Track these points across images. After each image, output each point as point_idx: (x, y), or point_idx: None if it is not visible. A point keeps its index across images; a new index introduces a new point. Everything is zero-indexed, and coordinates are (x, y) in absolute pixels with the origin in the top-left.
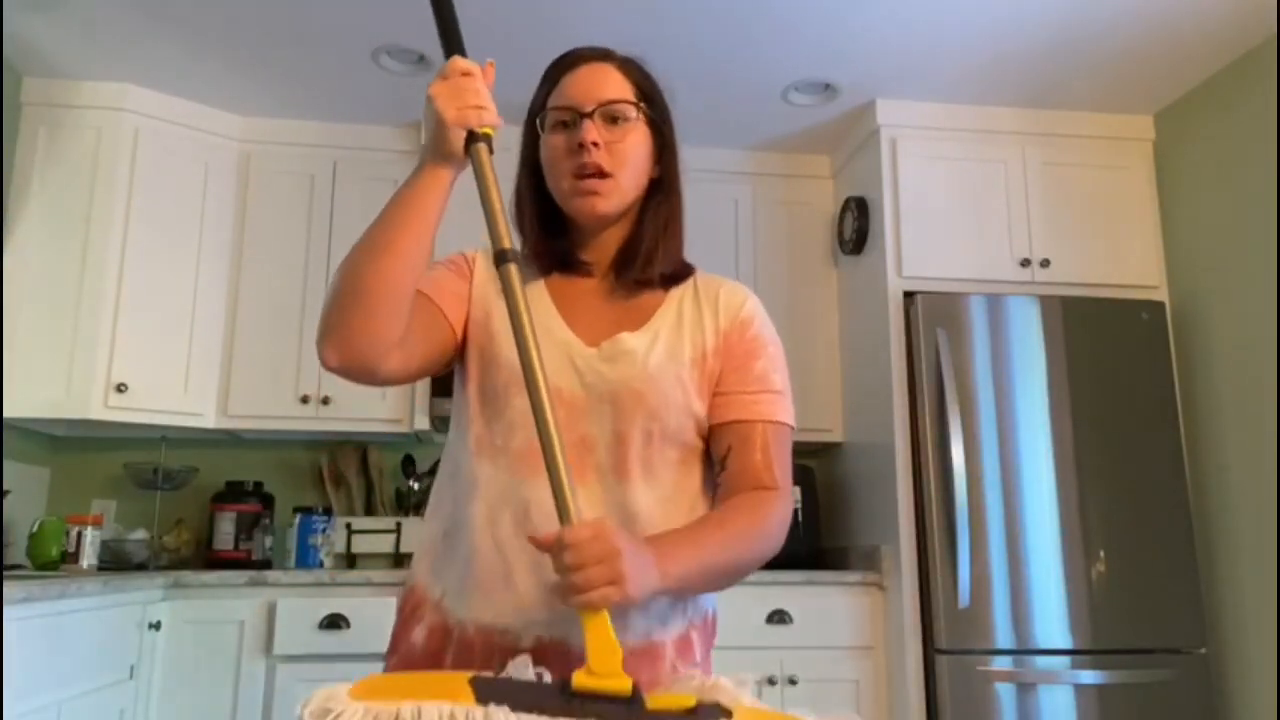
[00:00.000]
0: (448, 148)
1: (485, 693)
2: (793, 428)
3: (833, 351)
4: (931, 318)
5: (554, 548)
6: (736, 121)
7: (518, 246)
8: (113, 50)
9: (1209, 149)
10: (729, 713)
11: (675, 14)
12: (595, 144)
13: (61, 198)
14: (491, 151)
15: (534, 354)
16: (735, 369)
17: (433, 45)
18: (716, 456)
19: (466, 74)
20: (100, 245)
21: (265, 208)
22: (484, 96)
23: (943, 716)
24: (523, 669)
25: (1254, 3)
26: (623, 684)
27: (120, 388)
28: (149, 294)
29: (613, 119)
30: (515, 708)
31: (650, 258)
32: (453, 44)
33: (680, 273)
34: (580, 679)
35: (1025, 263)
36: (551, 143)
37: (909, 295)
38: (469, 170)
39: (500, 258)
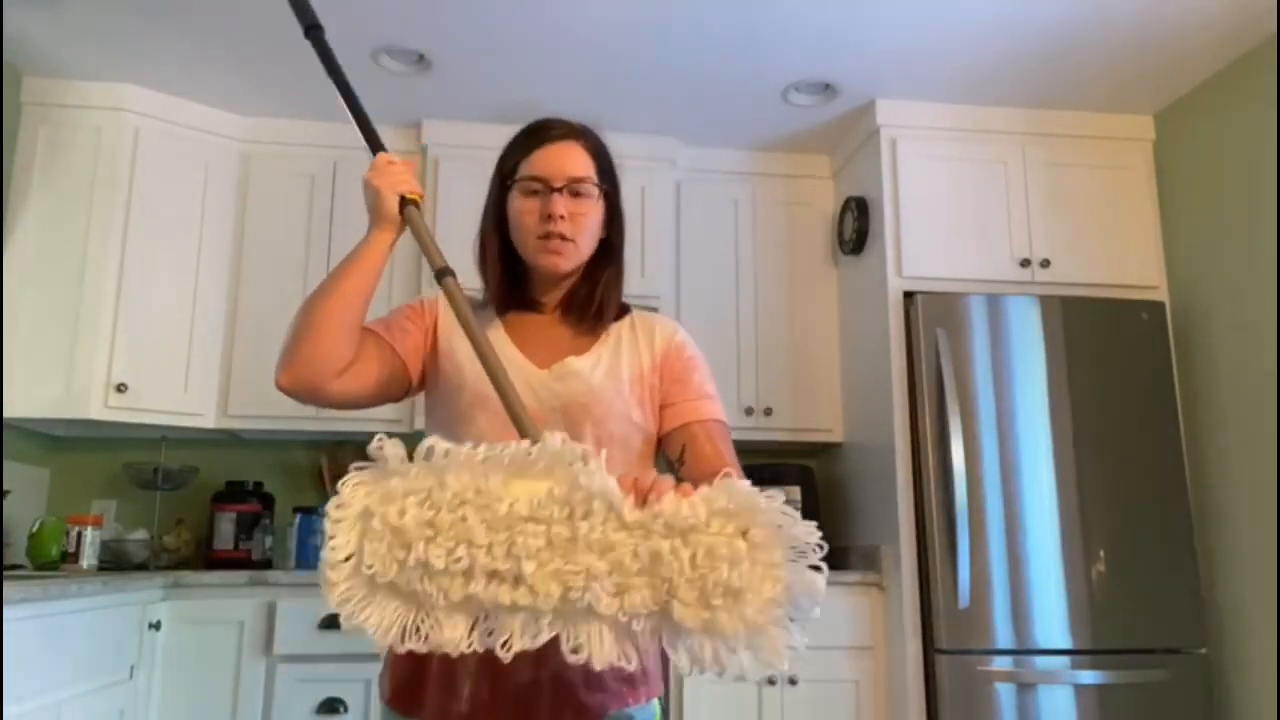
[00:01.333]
0: (387, 211)
1: None
2: (728, 425)
3: (833, 351)
4: (931, 318)
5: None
6: (736, 121)
7: (448, 265)
8: (113, 50)
9: (1209, 149)
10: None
11: (675, 14)
12: (562, 216)
13: (61, 197)
14: (421, 211)
15: (479, 334)
16: (676, 382)
17: (432, 45)
18: (673, 456)
19: (391, 162)
20: (100, 245)
21: (265, 208)
22: (409, 173)
23: (943, 716)
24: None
25: (1254, 3)
26: None
27: (120, 388)
28: (149, 294)
29: (576, 194)
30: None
31: (601, 310)
32: (375, 146)
33: (619, 313)
34: None
35: (1025, 263)
36: (523, 206)
37: (909, 295)
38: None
39: (440, 275)
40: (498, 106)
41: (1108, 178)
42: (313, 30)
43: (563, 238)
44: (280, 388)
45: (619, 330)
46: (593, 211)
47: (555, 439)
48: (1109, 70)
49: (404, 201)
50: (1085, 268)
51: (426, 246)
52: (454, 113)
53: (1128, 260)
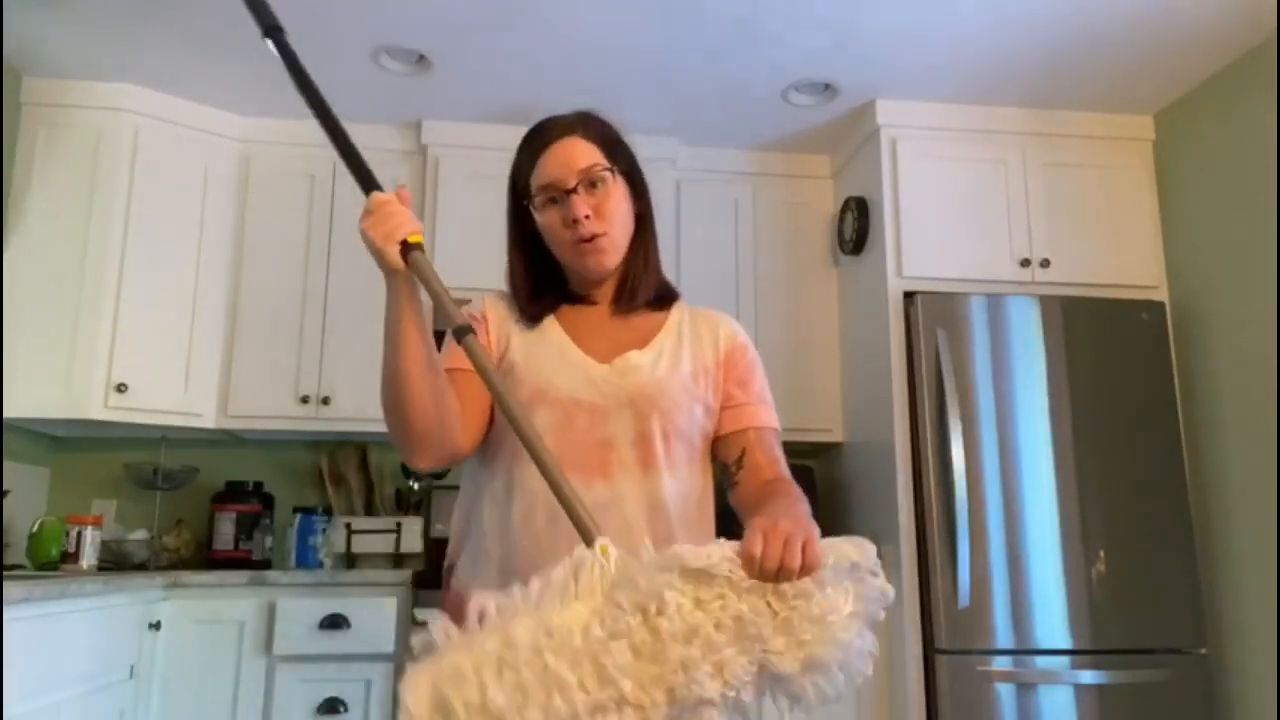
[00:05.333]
0: (391, 264)
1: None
2: (780, 432)
3: (833, 351)
4: (931, 318)
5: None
6: (736, 121)
7: (467, 321)
8: (113, 50)
9: (1209, 149)
10: None
11: (675, 14)
12: (587, 216)
13: (61, 198)
14: (423, 251)
15: (502, 391)
16: (739, 384)
17: (432, 45)
18: (729, 459)
19: (383, 203)
20: (100, 245)
21: (265, 208)
22: (403, 214)
23: (943, 716)
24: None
25: (1254, 3)
26: None
27: (120, 388)
28: (149, 294)
29: (592, 184)
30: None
31: (635, 291)
32: (368, 185)
33: (667, 294)
34: None
35: (1025, 263)
36: (548, 220)
37: (909, 295)
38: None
39: (458, 334)
40: (498, 106)
41: (1108, 178)
42: (273, 32)
43: (595, 235)
44: (423, 470)
45: (678, 323)
46: (614, 195)
47: (581, 553)
48: (1109, 70)
49: (406, 247)
50: (1085, 268)
51: (440, 300)
52: (454, 113)
53: (1128, 260)
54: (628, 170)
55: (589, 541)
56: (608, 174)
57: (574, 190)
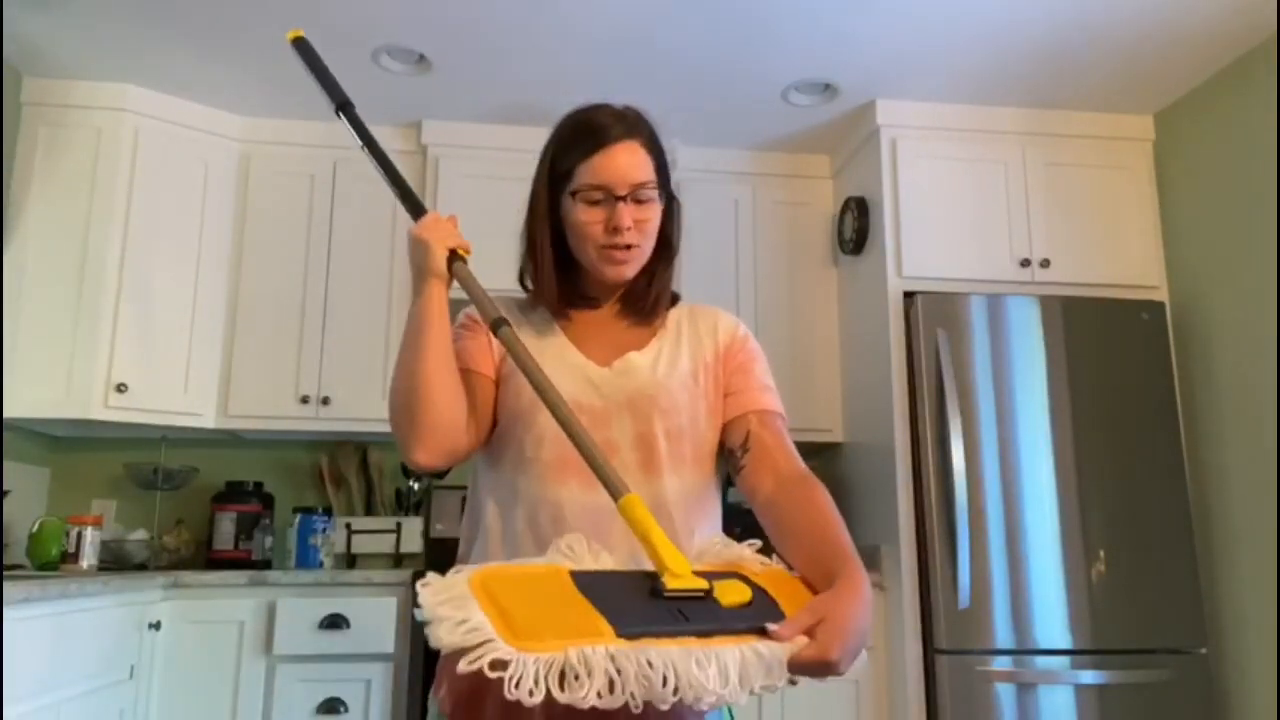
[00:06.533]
0: (436, 266)
1: (607, 609)
2: (786, 419)
3: (833, 351)
4: (931, 318)
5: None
6: (736, 121)
7: (503, 315)
8: (113, 50)
9: (1209, 149)
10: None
11: (676, 14)
12: (629, 227)
13: (61, 197)
14: (466, 264)
15: (549, 387)
16: (739, 371)
17: (432, 45)
18: (735, 443)
19: (439, 220)
20: (100, 245)
21: (265, 208)
22: (457, 230)
23: (943, 716)
24: (578, 543)
25: (1254, 3)
26: (700, 583)
27: (120, 388)
28: (149, 294)
29: (639, 200)
30: (644, 628)
31: (655, 305)
32: (419, 209)
33: (671, 301)
34: (670, 581)
35: (1025, 263)
36: (585, 216)
37: (909, 295)
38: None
39: (495, 325)
40: (498, 106)
41: (1108, 178)
42: (345, 108)
43: (629, 247)
44: (421, 466)
45: (677, 322)
46: (656, 215)
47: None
48: (1109, 70)
49: (452, 256)
50: (1085, 268)
51: (479, 299)
52: (454, 113)
53: (1128, 260)
54: (668, 191)
55: (617, 498)
56: (657, 192)
57: (623, 199)
